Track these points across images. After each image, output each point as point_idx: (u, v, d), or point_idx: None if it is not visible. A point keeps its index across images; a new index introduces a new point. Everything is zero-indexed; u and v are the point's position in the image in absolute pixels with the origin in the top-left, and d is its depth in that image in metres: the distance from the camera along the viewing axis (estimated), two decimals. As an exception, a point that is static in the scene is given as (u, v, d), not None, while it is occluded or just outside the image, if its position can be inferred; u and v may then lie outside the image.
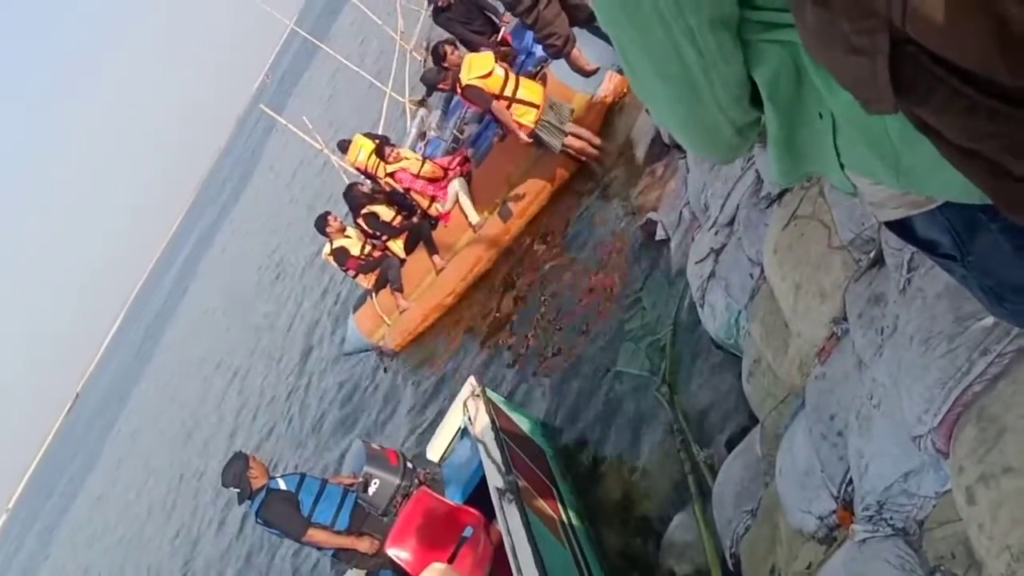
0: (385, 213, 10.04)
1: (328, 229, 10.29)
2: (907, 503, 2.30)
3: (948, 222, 1.06)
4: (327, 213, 10.48)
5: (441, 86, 8.53)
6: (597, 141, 7.88)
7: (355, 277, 10.60)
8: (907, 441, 2.29)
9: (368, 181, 10.65)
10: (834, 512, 2.69)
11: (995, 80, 0.77)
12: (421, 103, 12.78)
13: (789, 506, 2.92)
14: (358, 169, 10.70)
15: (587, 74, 8.01)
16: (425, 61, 13.40)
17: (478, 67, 7.64)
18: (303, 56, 49.90)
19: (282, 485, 5.48)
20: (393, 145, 10.03)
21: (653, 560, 4.21)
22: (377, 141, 10.27)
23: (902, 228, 1.13)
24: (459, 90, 7.81)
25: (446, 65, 8.31)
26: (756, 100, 1.08)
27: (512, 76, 7.74)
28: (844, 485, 2.66)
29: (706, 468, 4.12)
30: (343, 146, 11.23)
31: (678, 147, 6.06)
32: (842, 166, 1.06)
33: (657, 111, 1.14)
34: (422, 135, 11.66)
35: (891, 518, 2.32)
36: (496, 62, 7.78)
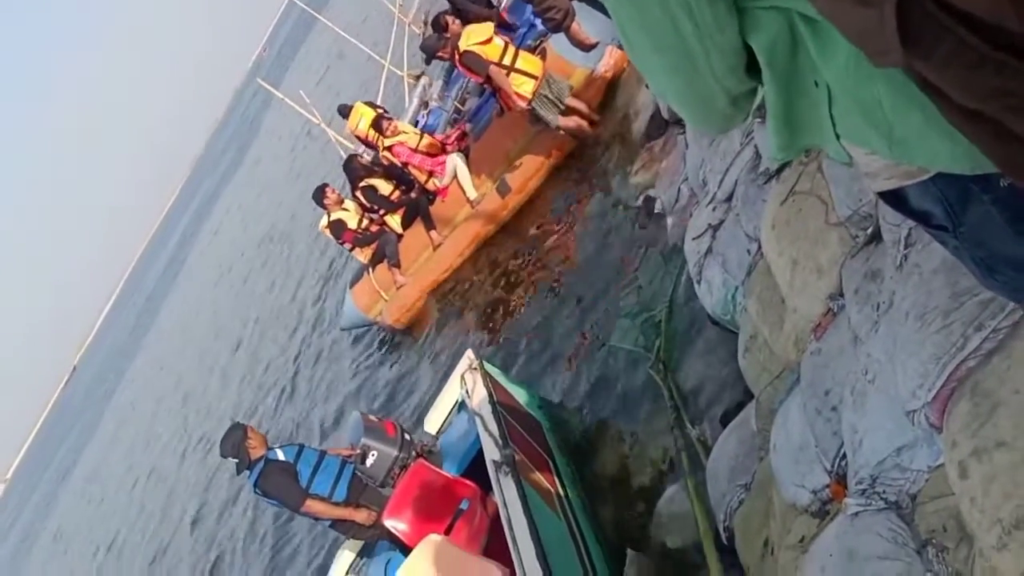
0: (383, 187, 9.99)
1: (326, 201, 10.24)
2: (900, 477, 2.31)
3: (940, 193, 1.06)
4: (325, 185, 10.43)
5: (440, 54, 8.49)
6: (595, 117, 7.85)
7: (351, 250, 10.56)
8: (901, 416, 2.30)
9: (367, 152, 10.62)
10: (827, 486, 2.70)
11: (1003, 28, 0.77)
12: (419, 76, 12.73)
13: (783, 480, 2.94)
14: (358, 137, 10.67)
15: (587, 48, 7.97)
16: (424, 34, 13.34)
17: (477, 35, 7.61)
18: (301, 28, 49.58)
19: (280, 456, 5.50)
20: (391, 119, 9.98)
21: (646, 533, 4.25)
22: (378, 110, 10.23)
23: (896, 199, 1.13)
24: (457, 57, 7.77)
25: (447, 35, 8.27)
26: (752, 70, 1.09)
27: (511, 47, 7.70)
28: (838, 459, 2.67)
29: (699, 444, 4.14)
30: (343, 111, 11.18)
31: (677, 123, 6.04)
32: (837, 136, 1.06)
33: (654, 82, 1.14)
34: (424, 104, 11.58)
35: (884, 492, 2.34)
36: (496, 33, 7.74)
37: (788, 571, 2.73)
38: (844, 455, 2.64)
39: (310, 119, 14.07)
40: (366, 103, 10.82)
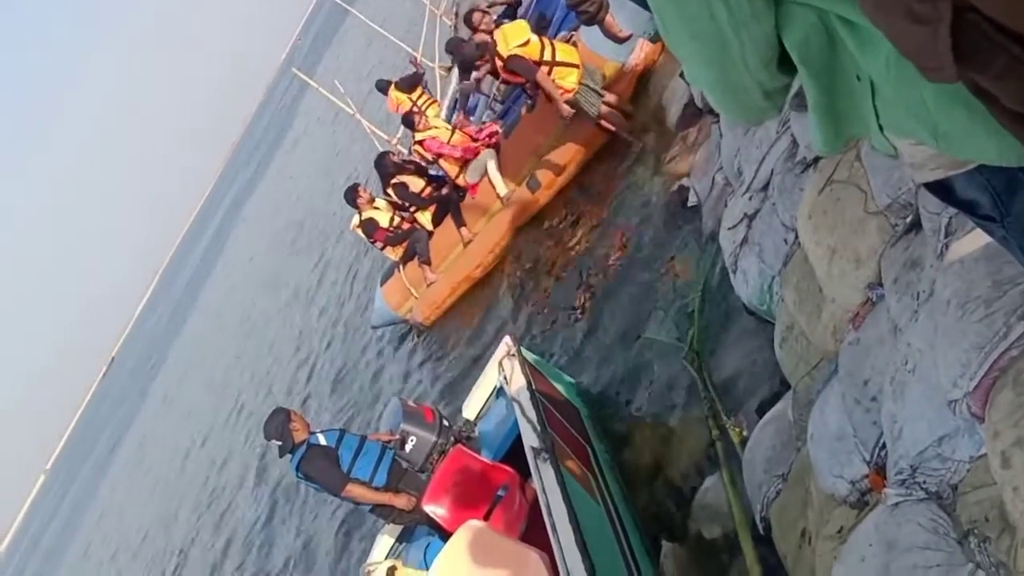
0: (415, 183, 10.04)
1: (359, 200, 10.33)
2: (941, 467, 2.30)
3: (987, 182, 1.05)
4: (356, 185, 10.55)
5: (479, 63, 8.19)
6: (629, 108, 7.82)
7: (383, 249, 10.63)
8: (942, 406, 2.29)
9: (401, 146, 10.70)
10: (866, 476, 2.68)
11: None
12: (451, 68, 12.76)
13: (821, 470, 2.92)
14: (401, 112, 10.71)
15: (620, 40, 7.92)
16: (455, 27, 13.36)
17: (514, 36, 7.55)
18: (336, 18, 49.75)
19: (322, 440, 5.55)
20: (422, 112, 10.01)
21: (681, 524, 4.24)
22: (412, 98, 10.29)
23: (941, 189, 1.13)
24: (501, 64, 7.71)
25: (476, 32, 8.24)
26: (786, 65, 1.09)
27: (548, 42, 7.66)
28: (877, 450, 2.65)
29: (735, 434, 4.12)
30: (382, 87, 11.23)
31: (711, 112, 6.00)
32: (881, 128, 1.06)
33: (689, 70, 1.15)
34: (466, 96, 11.55)
35: (924, 482, 2.32)
36: (530, 31, 7.69)
37: (826, 561, 2.71)
38: (883, 445, 2.62)
39: (344, 109, 14.12)
40: (399, 88, 10.88)
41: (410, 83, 12.02)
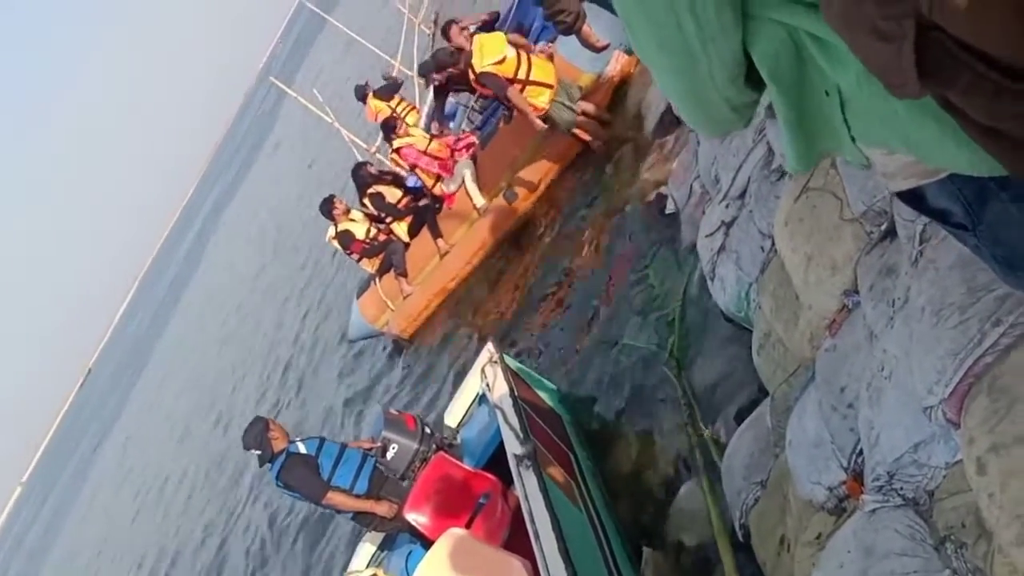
0: (391, 194, 10.03)
1: (334, 212, 10.29)
2: (917, 473, 2.31)
3: (959, 192, 1.06)
4: (332, 196, 10.51)
5: (452, 70, 8.31)
6: (606, 116, 7.84)
7: (359, 261, 10.57)
8: (918, 412, 2.30)
9: (379, 154, 10.68)
10: (844, 483, 2.70)
11: (1020, 66, 0.78)
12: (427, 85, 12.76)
13: (799, 477, 2.93)
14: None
15: (597, 50, 7.94)
16: (433, 36, 13.35)
17: (491, 52, 7.53)
18: (314, 24, 49.68)
19: (302, 449, 5.53)
20: (401, 119, 9.97)
21: (661, 531, 4.24)
22: (391, 105, 10.27)
23: (914, 198, 1.14)
24: (472, 76, 7.73)
25: (453, 47, 8.26)
26: (753, 81, 1.09)
27: (524, 57, 7.63)
28: (854, 456, 2.67)
29: (712, 443, 4.13)
30: (360, 94, 11.20)
31: (689, 120, 6.02)
32: (853, 139, 1.07)
33: (659, 80, 1.16)
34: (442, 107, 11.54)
35: (901, 488, 2.33)
36: (507, 44, 7.68)
37: (805, 568, 2.72)
38: (860, 452, 2.63)
39: (323, 117, 14.07)
40: (378, 96, 10.86)
41: (388, 91, 12.00)
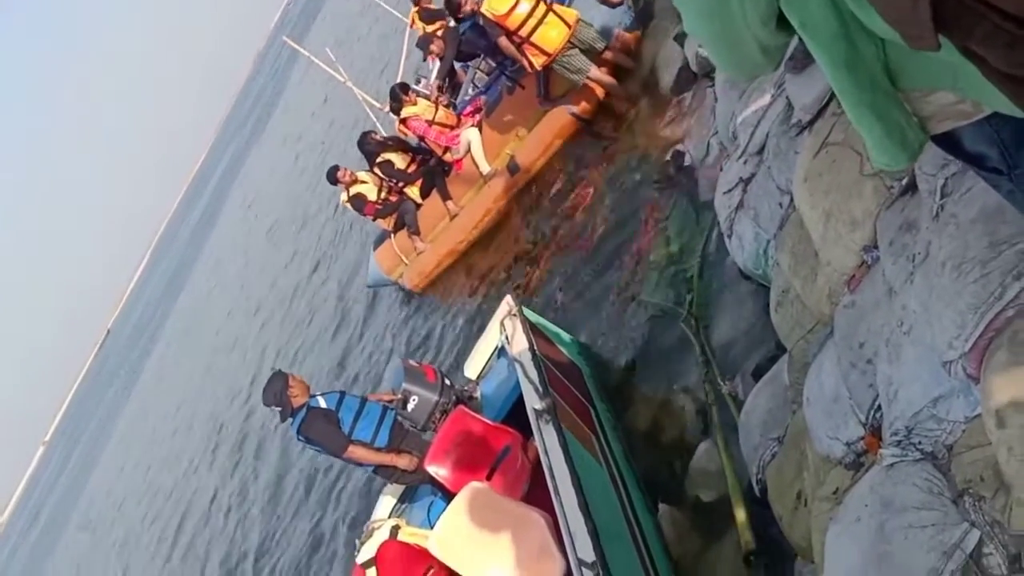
0: (400, 160, 10.09)
1: (341, 181, 10.50)
2: (936, 428, 2.31)
3: (996, 134, 1.06)
4: (336, 167, 10.67)
5: (462, 11, 8.45)
6: (631, 63, 7.75)
7: (374, 220, 10.76)
8: (937, 367, 2.30)
9: (381, 129, 10.69)
10: (862, 438, 2.71)
11: None
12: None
13: (816, 433, 2.94)
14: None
15: (613, 6, 7.86)
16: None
17: (500, 1, 7.42)
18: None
19: (322, 403, 5.56)
20: (412, 90, 9.85)
21: (679, 487, 4.27)
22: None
23: (949, 142, 1.14)
24: (476, 14, 7.76)
25: (460, 15, 8.27)
26: (783, 24, 1.09)
27: (533, 20, 7.44)
28: (872, 411, 2.67)
29: (730, 399, 4.15)
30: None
31: (707, 76, 5.97)
32: (894, 83, 1.06)
33: (689, 22, 1.16)
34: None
35: (920, 443, 2.34)
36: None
37: (822, 522, 2.74)
38: (879, 407, 2.64)
39: (336, 76, 13.99)
40: (421, 17, 10.76)
41: (431, 17, 11.55)
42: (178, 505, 17.26)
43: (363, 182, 10.43)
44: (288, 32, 41.55)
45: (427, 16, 10.62)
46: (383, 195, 10.38)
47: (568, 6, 7.93)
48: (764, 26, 1.09)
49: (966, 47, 0.87)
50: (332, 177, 10.60)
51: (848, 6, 0.99)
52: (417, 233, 10.00)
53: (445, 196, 9.64)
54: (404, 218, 10.13)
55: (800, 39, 1.10)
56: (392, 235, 10.43)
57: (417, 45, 10.42)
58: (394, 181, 10.19)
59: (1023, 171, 1.08)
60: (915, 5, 0.82)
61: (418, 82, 10.92)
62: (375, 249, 10.85)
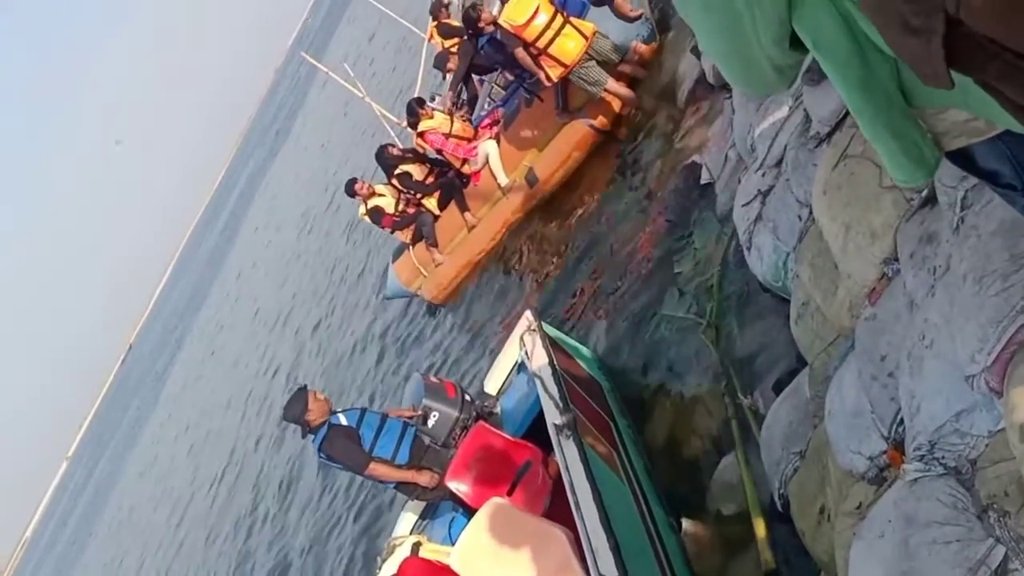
0: (418, 172, 10.14)
1: (358, 194, 10.56)
2: (959, 442, 2.30)
3: (1009, 151, 1.07)
4: (354, 179, 10.74)
5: (480, 25, 8.43)
6: (641, 74, 7.77)
7: (392, 233, 10.80)
8: (959, 381, 2.28)
9: (407, 131, 10.68)
10: (884, 452, 2.69)
11: None
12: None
13: (839, 447, 2.93)
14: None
15: (631, 20, 7.87)
16: (463, 4, 13.20)
17: (519, 10, 7.47)
18: (343, -2, 49.61)
19: (343, 420, 5.56)
20: (427, 104, 9.91)
21: (700, 501, 4.25)
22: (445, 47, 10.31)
23: (963, 158, 1.14)
24: (494, 27, 7.79)
25: (480, 27, 8.31)
26: (798, 43, 1.10)
27: (554, 26, 7.48)
28: (895, 425, 2.65)
29: (750, 413, 4.13)
30: (433, 11, 11.10)
31: (723, 88, 5.97)
32: (909, 101, 1.07)
33: (702, 41, 1.17)
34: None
35: (943, 457, 2.32)
36: (542, 10, 7.57)
37: (845, 538, 2.73)
38: (901, 421, 2.62)
39: (354, 92, 14.07)
40: (440, 32, 10.79)
41: (450, 32, 11.60)
42: (195, 522, 17.34)
43: (381, 195, 10.49)
44: (306, 48, 41.86)
45: (445, 31, 10.69)
46: (401, 207, 10.43)
47: (585, 19, 7.96)
48: (777, 46, 1.09)
49: (983, 81, 0.88)
50: (350, 189, 10.67)
51: (861, 26, 1.00)
52: (435, 245, 10.06)
53: (463, 208, 9.70)
54: (422, 230, 10.19)
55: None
56: (410, 247, 10.47)
57: (434, 65, 10.53)
58: (412, 193, 10.26)
59: None
60: (928, 45, 0.83)
61: (433, 99, 10.98)
62: (394, 261, 10.89)
